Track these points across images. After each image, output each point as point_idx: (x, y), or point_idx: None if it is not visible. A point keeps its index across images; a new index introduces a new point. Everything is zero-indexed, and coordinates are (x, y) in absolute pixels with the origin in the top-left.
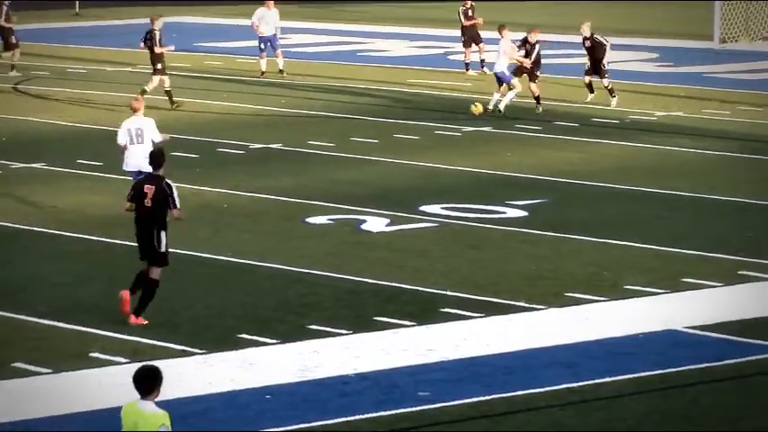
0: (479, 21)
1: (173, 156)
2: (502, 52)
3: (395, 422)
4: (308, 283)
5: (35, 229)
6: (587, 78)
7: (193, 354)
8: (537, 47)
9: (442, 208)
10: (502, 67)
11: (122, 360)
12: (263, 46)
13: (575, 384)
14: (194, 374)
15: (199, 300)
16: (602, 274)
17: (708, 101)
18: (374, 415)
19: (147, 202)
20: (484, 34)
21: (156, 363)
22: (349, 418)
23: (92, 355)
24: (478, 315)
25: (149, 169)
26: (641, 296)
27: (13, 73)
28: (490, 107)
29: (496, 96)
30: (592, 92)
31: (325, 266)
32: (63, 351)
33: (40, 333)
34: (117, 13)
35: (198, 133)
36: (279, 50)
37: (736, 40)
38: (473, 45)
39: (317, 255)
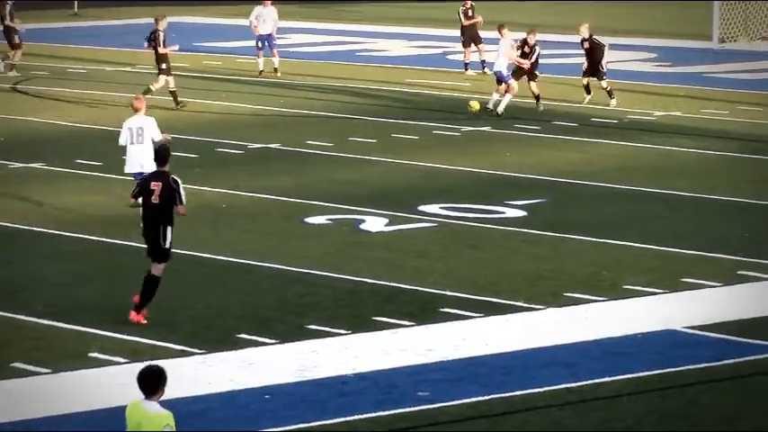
0: (479, 19)
1: (172, 156)
2: (502, 52)
3: (394, 422)
4: (307, 283)
5: (35, 229)
6: (585, 80)
7: (193, 354)
8: (536, 48)
9: (442, 208)
10: (501, 66)
11: (122, 360)
12: (260, 44)
13: (573, 384)
14: (194, 374)
15: (198, 300)
16: (601, 274)
17: (707, 101)
18: (373, 415)
19: (155, 199)
20: (484, 34)
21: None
22: (348, 418)
23: (91, 355)
24: (478, 315)
25: (150, 168)
26: (640, 296)
27: (13, 73)
28: (489, 106)
29: (495, 96)
30: (589, 93)
31: (325, 266)
32: (62, 351)
33: (39, 333)
34: (116, 13)
35: (197, 133)
36: (275, 49)
37: (736, 40)
38: (472, 45)
39: (317, 255)
